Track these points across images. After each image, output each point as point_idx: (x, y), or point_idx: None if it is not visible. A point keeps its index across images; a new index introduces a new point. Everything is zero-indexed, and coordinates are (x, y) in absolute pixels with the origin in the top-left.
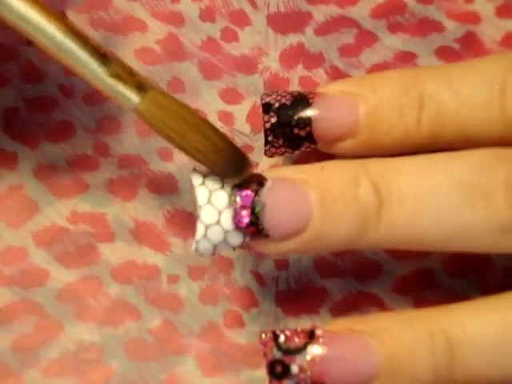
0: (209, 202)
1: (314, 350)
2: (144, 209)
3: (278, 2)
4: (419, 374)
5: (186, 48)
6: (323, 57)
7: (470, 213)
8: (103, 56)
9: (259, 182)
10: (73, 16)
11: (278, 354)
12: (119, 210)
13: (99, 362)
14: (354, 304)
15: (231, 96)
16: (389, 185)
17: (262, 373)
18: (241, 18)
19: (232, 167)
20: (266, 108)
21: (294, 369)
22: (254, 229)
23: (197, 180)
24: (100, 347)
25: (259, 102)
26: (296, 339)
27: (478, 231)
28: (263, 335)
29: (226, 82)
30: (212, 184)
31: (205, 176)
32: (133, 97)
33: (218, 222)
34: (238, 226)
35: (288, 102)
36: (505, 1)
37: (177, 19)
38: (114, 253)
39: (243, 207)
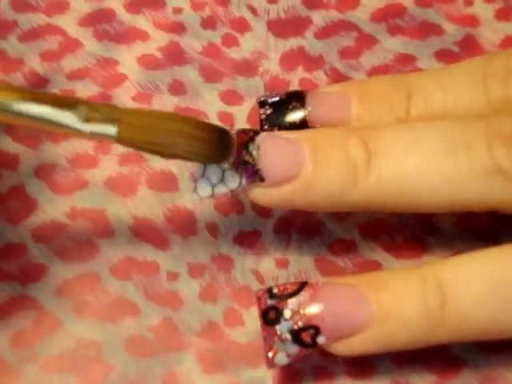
0: None
1: (307, 294)
2: (144, 206)
3: (278, 8)
4: (411, 317)
5: (187, 53)
6: (323, 59)
7: (453, 160)
8: (67, 106)
9: (255, 131)
10: (75, 29)
11: (270, 302)
12: (119, 206)
13: (98, 359)
14: None
15: (231, 98)
16: (376, 141)
17: (262, 371)
18: (241, 25)
19: (223, 150)
20: (262, 103)
21: (287, 313)
22: (251, 168)
23: None
24: (99, 344)
25: (257, 104)
26: (289, 287)
27: (462, 177)
28: (258, 291)
29: (226, 85)
30: None
31: None
32: (109, 131)
33: None
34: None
35: (283, 97)
36: (504, 4)
37: (178, 28)
38: (114, 249)
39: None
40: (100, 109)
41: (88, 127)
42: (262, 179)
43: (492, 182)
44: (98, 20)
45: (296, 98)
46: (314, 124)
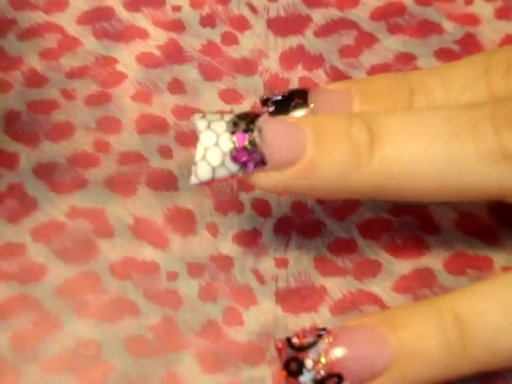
0: (208, 128)
1: (326, 342)
2: (144, 205)
3: (277, 6)
4: (433, 353)
5: (186, 52)
6: (323, 58)
7: (459, 143)
8: None
9: (256, 114)
10: (73, 28)
11: (291, 352)
12: (119, 206)
13: (98, 359)
14: (353, 303)
15: (231, 96)
16: (380, 124)
17: (261, 371)
18: (241, 23)
19: None
20: (265, 102)
21: (309, 363)
22: (252, 151)
23: (197, 116)
24: (99, 343)
25: (259, 102)
26: (308, 335)
27: (468, 161)
28: (277, 342)
29: (225, 83)
30: (211, 116)
31: (205, 114)
32: None
33: (217, 144)
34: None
35: (286, 94)
36: (504, 3)
37: (177, 26)
38: (113, 249)
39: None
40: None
41: None
42: (264, 163)
43: (499, 167)
44: (97, 18)
45: (299, 96)
46: None
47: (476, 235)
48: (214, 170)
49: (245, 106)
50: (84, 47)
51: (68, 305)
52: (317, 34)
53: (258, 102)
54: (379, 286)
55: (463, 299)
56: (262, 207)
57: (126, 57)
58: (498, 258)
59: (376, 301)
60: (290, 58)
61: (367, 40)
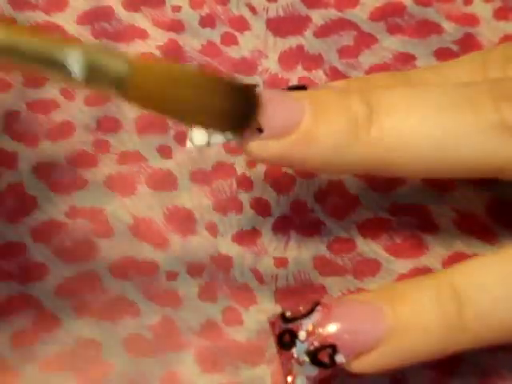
0: None
1: (320, 314)
2: (143, 205)
3: (277, 7)
4: (430, 326)
5: (186, 52)
6: (322, 58)
7: (458, 115)
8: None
9: (253, 85)
10: (73, 27)
11: (284, 326)
12: (118, 205)
13: (98, 358)
14: None
15: None
16: (378, 97)
17: (260, 370)
18: (240, 23)
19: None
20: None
21: (302, 335)
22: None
23: None
24: (98, 343)
25: None
26: (301, 308)
27: (466, 134)
28: (271, 318)
29: None
30: None
31: None
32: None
33: None
34: None
35: (285, 90)
36: (503, 3)
37: (177, 26)
38: (113, 248)
39: None
40: (103, 57)
41: (86, 74)
42: (260, 130)
43: (498, 139)
44: (97, 18)
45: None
46: None
47: (475, 234)
48: (209, 135)
49: None
50: None
51: (67, 304)
52: (316, 35)
53: None
54: (378, 285)
55: (462, 273)
56: (261, 207)
57: None
58: None
59: None
60: (289, 59)
61: (366, 40)
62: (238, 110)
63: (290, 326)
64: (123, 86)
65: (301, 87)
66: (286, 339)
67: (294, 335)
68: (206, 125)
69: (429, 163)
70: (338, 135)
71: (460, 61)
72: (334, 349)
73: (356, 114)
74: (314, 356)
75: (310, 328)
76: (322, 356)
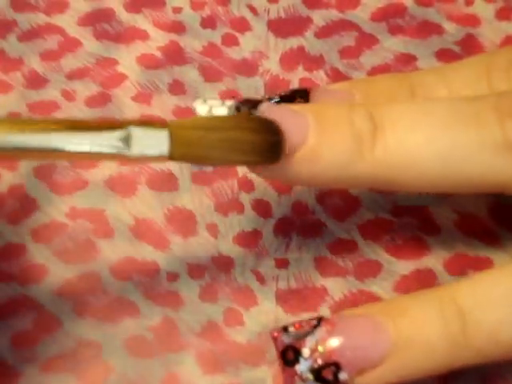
0: (209, 113)
1: (324, 330)
2: (144, 206)
3: (278, 8)
4: (433, 341)
5: (186, 53)
6: (323, 59)
7: (463, 132)
8: (105, 128)
9: (258, 100)
10: (74, 29)
11: (287, 340)
12: (119, 206)
13: (98, 359)
14: (354, 303)
15: (231, 97)
16: (383, 112)
17: (261, 372)
18: (241, 25)
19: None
20: (268, 101)
21: (305, 352)
22: None
23: (199, 101)
24: (99, 344)
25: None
26: (304, 324)
27: (471, 151)
28: (273, 331)
29: (226, 84)
30: (213, 102)
31: (206, 99)
32: (159, 151)
33: None
34: None
35: (287, 94)
36: (504, 4)
37: (178, 27)
38: (114, 249)
39: None
40: (144, 127)
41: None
42: None
43: (502, 157)
44: (98, 19)
45: (300, 95)
46: None
47: (476, 236)
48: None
49: (245, 107)
50: (84, 48)
51: (68, 305)
52: (317, 35)
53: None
54: (380, 287)
55: (466, 290)
56: (262, 208)
57: (126, 58)
58: (498, 259)
59: (376, 301)
60: (290, 59)
61: (368, 41)
62: (267, 141)
63: (293, 342)
64: (168, 158)
65: (302, 91)
66: (289, 356)
67: (297, 352)
68: (246, 162)
69: (433, 180)
70: (342, 154)
71: (463, 63)
72: (337, 366)
73: (360, 131)
74: (318, 374)
75: (314, 345)
76: (326, 374)
